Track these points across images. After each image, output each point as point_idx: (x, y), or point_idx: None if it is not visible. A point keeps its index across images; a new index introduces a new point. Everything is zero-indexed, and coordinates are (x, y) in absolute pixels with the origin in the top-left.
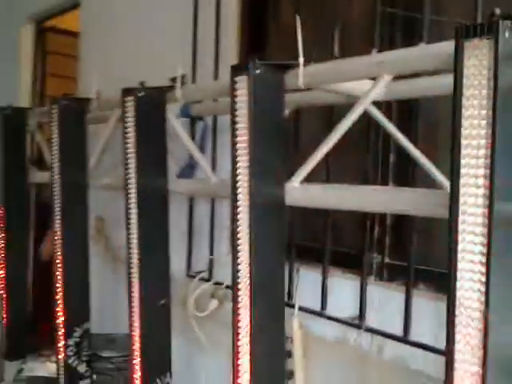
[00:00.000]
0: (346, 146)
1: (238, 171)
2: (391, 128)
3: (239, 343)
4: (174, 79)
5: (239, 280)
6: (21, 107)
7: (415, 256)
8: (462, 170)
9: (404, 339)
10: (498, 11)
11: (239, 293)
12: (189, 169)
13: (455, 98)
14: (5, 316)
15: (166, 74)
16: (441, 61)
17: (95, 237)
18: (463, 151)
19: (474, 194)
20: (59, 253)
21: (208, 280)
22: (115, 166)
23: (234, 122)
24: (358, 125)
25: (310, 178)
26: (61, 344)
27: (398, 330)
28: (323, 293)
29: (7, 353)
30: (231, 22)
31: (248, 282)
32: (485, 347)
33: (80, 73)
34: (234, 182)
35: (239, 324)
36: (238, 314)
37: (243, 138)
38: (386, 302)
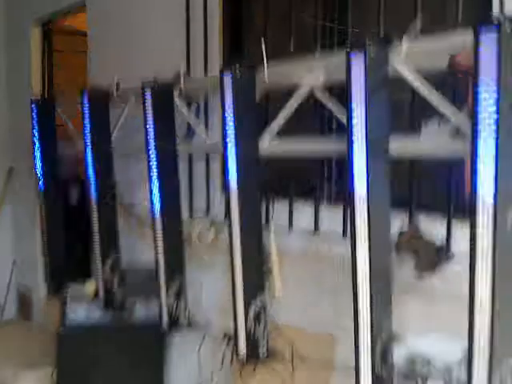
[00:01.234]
0: (306, 116)
1: (227, 135)
2: (330, 104)
3: (234, 250)
4: (177, 73)
5: (232, 213)
6: (50, 97)
7: None
8: (353, 131)
9: (343, 236)
10: (367, 37)
11: (233, 221)
12: (187, 138)
13: (348, 86)
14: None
15: (164, 67)
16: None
17: None
18: (353, 113)
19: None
20: (94, 204)
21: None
22: (129, 137)
23: (223, 105)
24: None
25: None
26: (100, 266)
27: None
28: (290, 215)
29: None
30: (216, 25)
31: (238, 214)
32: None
33: (89, 67)
34: (225, 142)
35: (233, 241)
36: (232, 233)
37: (230, 114)
38: (335, 218)
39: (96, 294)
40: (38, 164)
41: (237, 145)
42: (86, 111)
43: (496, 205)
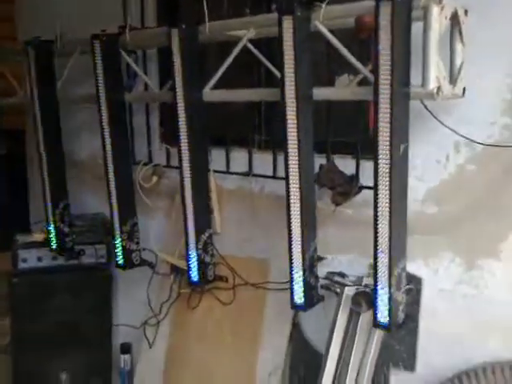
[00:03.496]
0: (243, 71)
1: (176, 83)
2: (260, 56)
3: (185, 193)
4: (122, 27)
5: (182, 158)
6: None
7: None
8: (285, 79)
9: (273, 176)
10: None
11: (183, 165)
12: (128, 87)
13: (280, 40)
14: None
15: (102, 19)
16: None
17: None
18: (285, 67)
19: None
20: (43, 149)
21: (148, 164)
22: (71, 87)
23: (171, 57)
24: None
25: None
26: (51, 213)
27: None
28: (227, 161)
29: None
30: None
31: (188, 159)
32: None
33: (18, 15)
34: (175, 90)
35: (184, 183)
36: (183, 177)
37: (178, 65)
38: (265, 162)
39: (46, 241)
40: None
41: (184, 93)
42: (32, 62)
43: (392, 136)
